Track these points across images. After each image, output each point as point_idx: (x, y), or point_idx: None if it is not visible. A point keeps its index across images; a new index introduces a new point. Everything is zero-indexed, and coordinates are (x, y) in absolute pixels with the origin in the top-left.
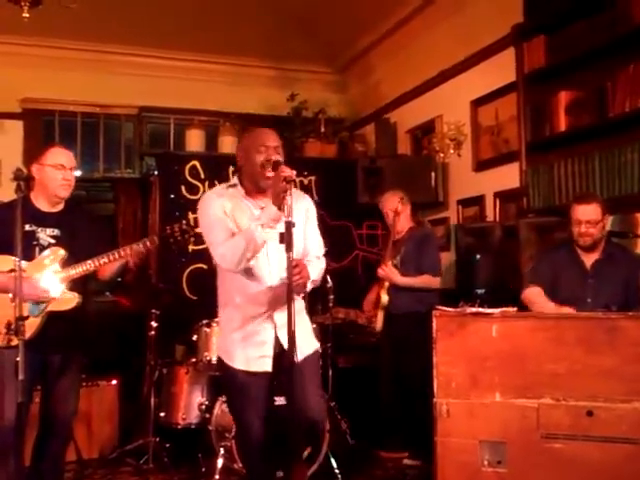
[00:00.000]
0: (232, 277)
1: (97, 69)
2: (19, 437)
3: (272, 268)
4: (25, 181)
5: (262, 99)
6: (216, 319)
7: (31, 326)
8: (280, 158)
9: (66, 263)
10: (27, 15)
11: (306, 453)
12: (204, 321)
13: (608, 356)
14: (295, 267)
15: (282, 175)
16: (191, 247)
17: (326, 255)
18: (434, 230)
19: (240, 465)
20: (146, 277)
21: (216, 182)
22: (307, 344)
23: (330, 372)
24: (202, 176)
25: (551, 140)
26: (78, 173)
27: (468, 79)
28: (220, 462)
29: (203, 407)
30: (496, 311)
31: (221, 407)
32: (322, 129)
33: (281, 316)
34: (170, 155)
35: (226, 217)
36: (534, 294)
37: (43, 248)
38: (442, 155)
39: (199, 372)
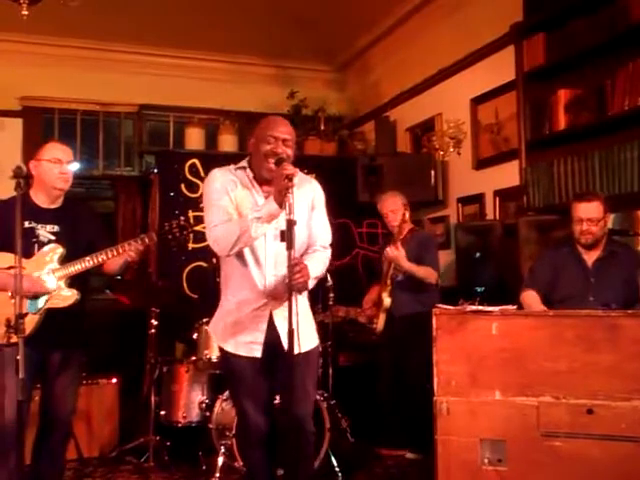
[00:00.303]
0: (231, 262)
1: (97, 67)
2: (19, 435)
3: (268, 261)
4: (24, 179)
5: (262, 97)
6: None
7: (30, 323)
8: (284, 155)
9: (65, 260)
10: (26, 13)
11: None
12: (204, 319)
13: (608, 354)
14: (295, 266)
15: (284, 173)
16: (191, 245)
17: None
18: (434, 229)
19: (241, 463)
20: (146, 275)
21: None
22: (304, 340)
23: (330, 370)
24: (202, 174)
25: (551, 138)
26: (76, 167)
27: (468, 77)
28: (221, 460)
29: (203, 405)
30: (496, 309)
31: (222, 405)
32: (322, 127)
33: (277, 307)
34: (170, 153)
35: (228, 199)
36: (530, 300)
37: (42, 245)
38: (442, 153)
39: (199, 370)
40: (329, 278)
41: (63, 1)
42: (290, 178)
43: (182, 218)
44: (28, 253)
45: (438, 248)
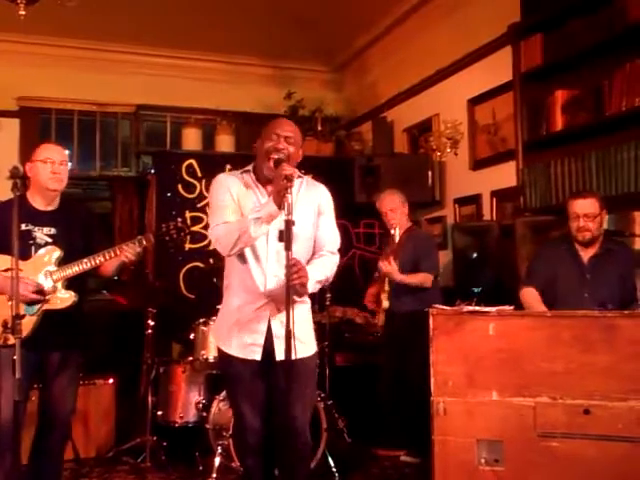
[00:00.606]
0: (233, 262)
1: (94, 67)
2: (16, 435)
3: (269, 261)
4: (21, 179)
5: (259, 97)
6: (213, 317)
7: (27, 325)
8: (285, 150)
9: (62, 262)
10: (23, 13)
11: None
12: (201, 319)
13: (605, 355)
14: (293, 266)
15: (283, 173)
16: (188, 245)
17: None
18: (431, 229)
19: (237, 464)
20: (143, 275)
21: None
22: (300, 347)
23: (327, 371)
24: (199, 174)
25: (548, 139)
26: (69, 167)
27: (465, 78)
28: (217, 461)
29: (200, 406)
30: (493, 310)
31: (218, 406)
32: (319, 127)
33: (275, 310)
34: (167, 153)
35: (231, 199)
36: (529, 298)
37: (39, 247)
38: (439, 154)
39: (196, 371)
40: None
41: (60, 1)
42: (289, 178)
43: (179, 220)
44: (25, 255)
45: (437, 247)
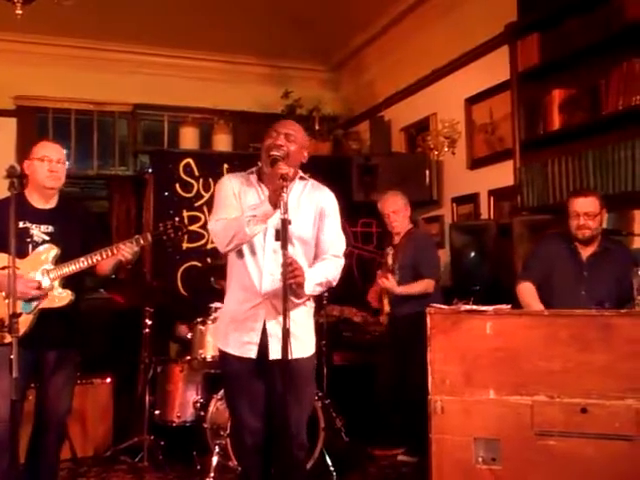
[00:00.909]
0: (233, 260)
1: (91, 66)
2: (13, 435)
3: (266, 259)
4: (18, 178)
5: (256, 97)
6: (210, 317)
7: (24, 323)
8: (281, 152)
9: (59, 260)
10: (20, 12)
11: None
12: (199, 319)
13: (602, 353)
14: (289, 265)
15: (279, 172)
16: (185, 245)
17: None
18: (428, 228)
19: (235, 463)
20: (140, 274)
21: (210, 180)
22: (296, 347)
23: (325, 370)
24: (196, 174)
25: (545, 138)
26: (67, 164)
27: (462, 77)
28: (215, 460)
29: (198, 405)
30: (490, 309)
31: (216, 405)
32: (316, 127)
33: (272, 309)
34: (164, 153)
35: (233, 197)
36: (525, 293)
37: (37, 245)
38: (436, 153)
39: (194, 370)
40: None
41: (57, 0)
42: (284, 177)
43: (177, 219)
44: (22, 253)
45: (436, 247)
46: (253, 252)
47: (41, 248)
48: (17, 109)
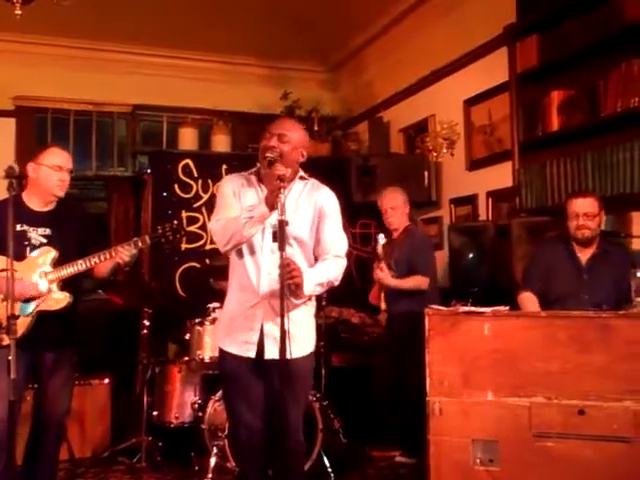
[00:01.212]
0: (234, 259)
1: (90, 67)
2: (10, 436)
3: (264, 260)
4: (17, 179)
5: (255, 97)
6: (209, 317)
7: (21, 325)
8: (275, 154)
9: (57, 263)
10: (19, 12)
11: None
12: (197, 320)
13: (600, 355)
14: (286, 266)
15: (276, 173)
16: (184, 246)
17: None
18: (427, 229)
19: (233, 464)
20: (139, 276)
21: (209, 180)
22: (295, 347)
23: (323, 371)
24: (195, 174)
25: (544, 139)
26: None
27: (461, 78)
28: (213, 461)
29: (196, 406)
30: (488, 310)
31: (214, 406)
32: (315, 128)
33: (269, 308)
34: (163, 153)
35: (235, 198)
36: (527, 303)
37: (34, 248)
38: (435, 154)
39: (192, 371)
40: None
41: (56, 1)
42: (282, 179)
43: (175, 222)
44: (20, 256)
45: (433, 247)
46: (252, 252)
47: (39, 251)
48: (16, 109)
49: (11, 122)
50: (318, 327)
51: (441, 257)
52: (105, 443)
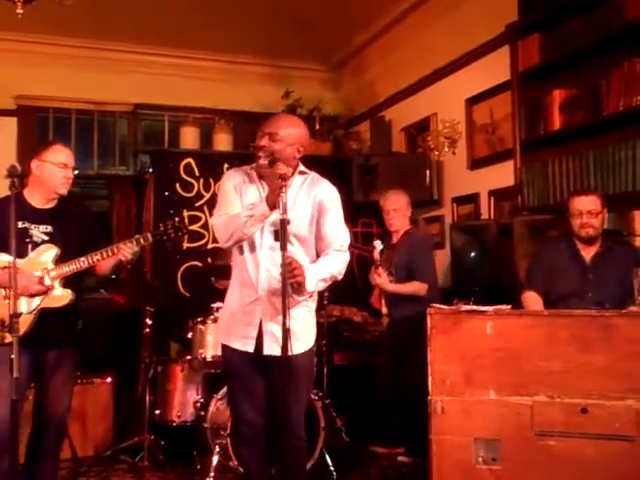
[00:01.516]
0: (236, 255)
1: (92, 66)
2: (13, 435)
3: (263, 257)
4: (19, 178)
5: (257, 96)
6: (211, 316)
7: (24, 323)
8: (269, 149)
9: (59, 260)
10: (21, 11)
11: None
12: (199, 318)
13: (602, 354)
14: (288, 265)
15: (278, 172)
16: (185, 244)
17: None
18: (429, 228)
19: (235, 462)
20: (141, 274)
21: (210, 179)
22: (294, 343)
23: (325, 370)
24: (197, 173)
25: (545, 138)
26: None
27: (463, 77)
28: (215, 460)
29: (198, 405)
30: (490, 309)
31: (216, 405)
32: (317, 127)
33: (268, 305)
34: (164, 152)
35: (236, 194)
36: (531, 302)
37: (36, 245)
38: (437, 153)
39: (194, 370)
40: None
41: (58, 0)
42: (283, 178)
43: (177, 219)
44: (22, 253)
45: (433, 250)
46: (252, 249)
47: (41, 248)
48: (18, 109)
49: (13, 121)
50: (320, 326)
51: (443, 256)
52: (107, 442)
